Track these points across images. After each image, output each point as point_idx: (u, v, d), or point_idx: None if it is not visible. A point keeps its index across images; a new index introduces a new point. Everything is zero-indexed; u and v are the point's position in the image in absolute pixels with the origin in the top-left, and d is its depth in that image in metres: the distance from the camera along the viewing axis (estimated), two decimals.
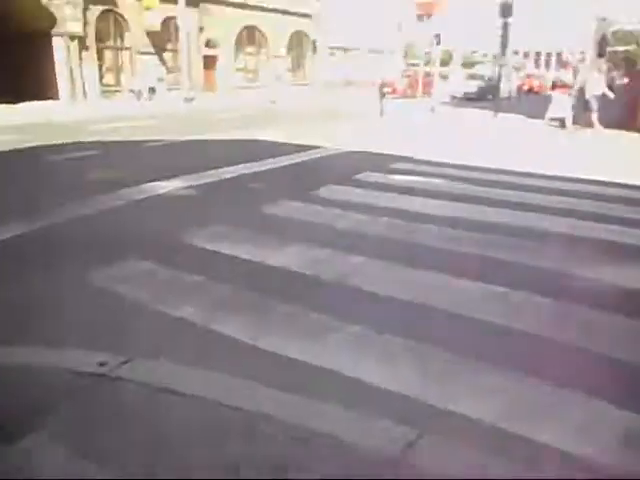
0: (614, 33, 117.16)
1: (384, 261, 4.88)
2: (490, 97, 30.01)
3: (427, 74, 32.88)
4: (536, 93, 37.91)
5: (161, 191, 7.28)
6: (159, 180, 7.76)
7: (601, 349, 3.42)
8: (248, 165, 9.09)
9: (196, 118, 17.87)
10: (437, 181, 8.29)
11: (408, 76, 32.49)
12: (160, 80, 24.90)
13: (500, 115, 18.22)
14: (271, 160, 9.64)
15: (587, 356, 3.36)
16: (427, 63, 36.38)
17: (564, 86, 14.25)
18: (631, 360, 3.31)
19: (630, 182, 8.46)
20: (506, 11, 22.18)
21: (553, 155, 11.07)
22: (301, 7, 34.09)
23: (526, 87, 37.79)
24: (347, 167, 9.34)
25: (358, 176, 8.44)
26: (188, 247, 5.16)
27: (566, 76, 71.45)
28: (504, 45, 22.76)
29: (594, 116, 14.32)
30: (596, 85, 14.33)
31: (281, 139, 12.52)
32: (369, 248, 5.23)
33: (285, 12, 32.53)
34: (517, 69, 44.64)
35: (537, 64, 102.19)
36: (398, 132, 13.97)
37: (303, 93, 30.70)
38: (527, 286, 4.32)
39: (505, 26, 22.58)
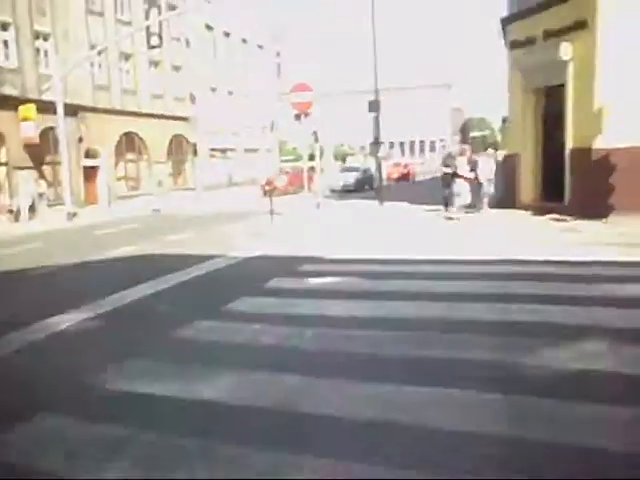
0: (468, 121, 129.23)
1: (323, 378, 4.56)
2: (367, 187, 31.57)
3: (305, 169, 34.08)
4: (406, 179, 40.06)
5: (62, 327, 6.51)
6: (56, 314, 6.96)
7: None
8: (150, 284, 8.50)
9: (82, 236, 16.94)
10: (352, 280, 8.14)
11: (287, 173, 33.27)
12: (41, 195, 23.55)
13: (386, 204, 18.94)
14: (173, 275, 9.11)
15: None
16: (304, 159, 37.70)
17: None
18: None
19: (522, 257, 8.95)
20: (374, 107, 23.65)
21: (455, 239, 11.43)
22: (178, 111, 34.49)
23: (395, 175, 39.73)
24: (255, 274, 9.03)
25: (270, 284, 8.12)
26: (103, 392, 4.54)
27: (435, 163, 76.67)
28: (376, 137, 24.12)
29: (485, 199, 15.12)
30: (488, 170, 15.17)
31: (176, 250, 12.05)
32: (301, 364, 4.90)
33: (162, 117, 32.68)
34: (384, 159, 47.59)
35: (403, 152, 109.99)
36: (294, 231, 13.94)
37: (187, 198, 30.40)
38: (474, 383, 4.21)
39: (376, 120, 24.07)
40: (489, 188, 15.18)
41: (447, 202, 15.17)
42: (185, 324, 6.21)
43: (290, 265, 9.60)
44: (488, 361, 4.73)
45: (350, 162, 61.16)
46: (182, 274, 9.18)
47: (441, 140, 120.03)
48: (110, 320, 6.74)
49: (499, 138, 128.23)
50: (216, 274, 9.34)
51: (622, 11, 11.86)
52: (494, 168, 15.26)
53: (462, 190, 15.02)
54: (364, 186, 31.65)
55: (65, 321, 6.67)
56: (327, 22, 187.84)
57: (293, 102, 17.78)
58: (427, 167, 52.89)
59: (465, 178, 14.89)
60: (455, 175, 14.87)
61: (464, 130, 71.71)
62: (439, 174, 16.31)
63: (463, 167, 14.95)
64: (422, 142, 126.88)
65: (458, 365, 4.68)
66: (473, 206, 15.06)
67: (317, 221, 16.06)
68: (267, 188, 30.36)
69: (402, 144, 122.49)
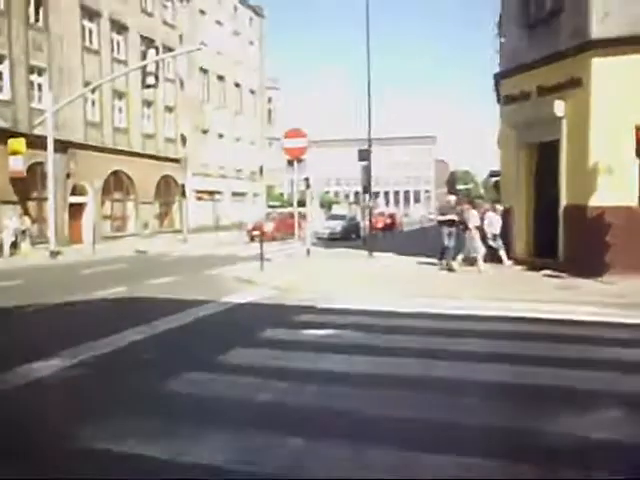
0: (452, 173, 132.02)
1: (327, 440, 4.24)
2: (353, 236, 31.44)
3: (292, 215, 33.91)
4: (390, 229, 39.00)
5: (39, 375, 6.09)
6: (34, 360, 6.51)
7: None
8: (137, 330, 8.11)
9: (65, 275, 16.48)
10: (351, 333, 7.88)
11: (274, 218, 33.00)
12: (24, 232, 22.99)
13: (375, 254, 18.76)
14: (161, 321, 8.73)
15: None
16: (292, 204, 37.51)
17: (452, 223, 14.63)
18: None
19: (524, 315, 8.82)
20: (364, 155, 23.78)
21: (453, 292, 11.20)
22: (169, 152, 34.50)
23: (380, 225, 38.74)
24: (248, 323, 8.75)
25: (264, 334, 7.80)
26: (88, 453, 4.14)
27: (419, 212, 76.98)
28: (366, 186, 24.15)
29: (502, 252, 14.78)
30: (496, 223, 14.97)
31: (164, 294, 11.68)
32: (303, 424, 4.59)
33: (152, 157, 32.62)
34: (373, 207, 47.15)
35: (387, 202, 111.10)
36: (285, 278, 13.64)
37: (174, 240, 30.03)
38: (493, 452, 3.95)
39: (366, 169, 24.15)
40: (497, 243, 14.95)
41: (445, 253, 14.90)
42: (175, 376, 5.85)
43: (284, 314, 9.36)
44: (505, 428, 4.45)
45: (336, 210, 61.37)
46: (171, 320, 8.81)
47: (426, 191, 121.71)
48: (93, 369, 6.34)
49: (482, 191, 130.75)
50: (207, 321, 9.00)
51: (616, 71, 12.04)
52: (501, 223, 15.06)
53: (475, 244, 14.56)
54: (350, 235, 31.58)
55: (43, 369, 6.24)
56: (318, 71, 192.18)
57: (286, 148, 17.74)
58: (412, 217, 53.27)
59: (476, 232, 14.53)
60: (466, 228, 14.56)
61: (451, 182, 72.83)
62: (437, 224, 16.03)
63: (475, 220, 14.66)
64: (407, 192, 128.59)
65: (467, 430, 4.41)
66: (468, 259, 14.84)
67: (308, 269, 15.79)
68: (254, 233, 30.31)
69: (387, 194, 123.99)
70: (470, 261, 14.63)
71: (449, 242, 14.77)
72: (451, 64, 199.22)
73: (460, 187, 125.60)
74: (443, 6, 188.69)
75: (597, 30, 12.27)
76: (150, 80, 19.74)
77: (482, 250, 14.46)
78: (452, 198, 15.88)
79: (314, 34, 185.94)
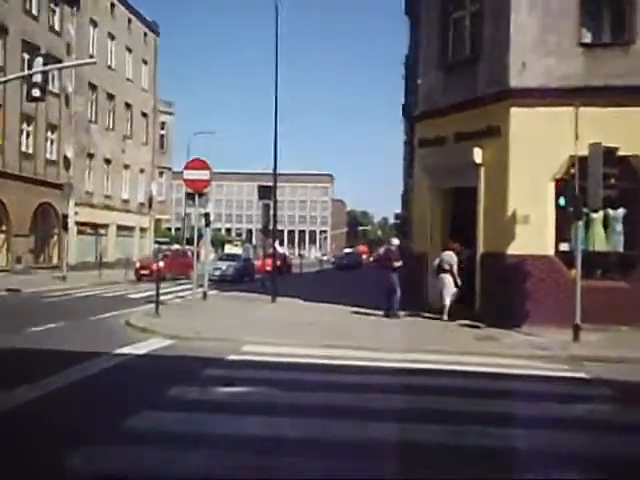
0: (350, 213, 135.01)
1: None
2: (247, 279, 30.91)
3: (185, 253, 32.88)
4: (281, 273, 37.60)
5: None
6: None
7: None
8: (16, 393, 7.19)
9: None
10: (265, 390, 7.57)
11: (165, 255, 31.72)
12: None
13: (279, 299, 18.45)
14: (40, 382, 7.70)
15: None
16: (180, 241, 36.41)
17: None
18: None
19: (446, 367, 8.93)
20: (265, 193, 23.69)
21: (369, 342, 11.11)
22: (49, 176, 32.53)
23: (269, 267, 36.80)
24: (152, 380, 8.22)
25: (173, 393, 7.28)
26: None
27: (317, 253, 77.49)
28: (266, 226, 23.97)
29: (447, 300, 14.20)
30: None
31: (45, 345, 10.69)
32: None
33: (31, 180, 30.58)
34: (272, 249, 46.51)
35: (282, 242, 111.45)
36: (185, 324, 13.00)
37: (51, 278, 28.11)
38: None
39: (266, 207, 23.99)
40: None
41: (392, 301, 14.74)
42: (66, 451, 5.16)
43: (189, 368, 8.94)
44: None
45: (229, 250, 60.14)
46: (55, 379, 7.88)
47: (322, 232, 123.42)
48: None
49: (380, 233, 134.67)
50: (102, 378, 8.30)
51: (534, 121, 12.76)
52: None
53: (449, 289, 14.16)
54: (243, 277, 31.02)
55: None
56: (218, 99, 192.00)
57: (187, 180, 17.17)
58: (307, 259, 53.75)
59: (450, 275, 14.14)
60: (449, 272, 14.10)
61: (352, 224, 74.76)
62: (386, 269, 15.29)
63: (452, 260, 14.12)
64: (302, 232, 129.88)
65: None
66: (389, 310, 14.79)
67: (208, 314, 15.23)
68: (142, 272, 29.03)
69: (280, 233, 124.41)
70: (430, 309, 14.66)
71: (398, 288, 14.78)
72: (355, 99, 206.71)
73: (360, 228, 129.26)
74: (350, 40, 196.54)
75: (515, 80, 13.01)
76: (36, 92, 18.49)
77: (452, 296, 14.22)
78: (395, 242, 15.75)
79: (213, 58, 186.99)
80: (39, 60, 18.64)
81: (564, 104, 11.88)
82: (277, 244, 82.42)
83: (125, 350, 10.20)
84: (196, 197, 17.11)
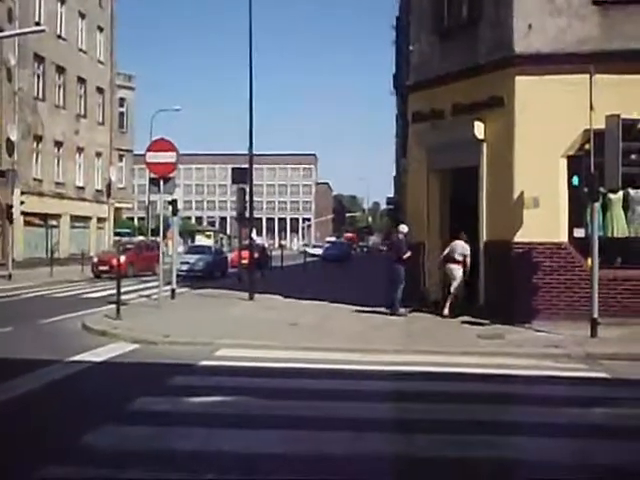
0: (336, 198, 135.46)
1: None
2: (218, 274, 30.62)
3: (150, 247, 32.56)
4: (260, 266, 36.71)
5: None
6: None
7: None
8: None
9: None
10: (242, 400, 7.53)
11: (126, 249, 31.47)
12: None
13: (258, 297, 18.38)
14: None
15: None
16: (145, 232, 35.90)
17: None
18: None
19: (451, 370, 8.96)
20: (240, 176, 23.57)
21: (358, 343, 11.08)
22: None
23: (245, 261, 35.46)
24: (113, 390, 8.12)
25: (135, 405, 7.19)
26: None
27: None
28: (241, 213, 23.86)
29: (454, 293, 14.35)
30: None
31: None
32: None
33: None
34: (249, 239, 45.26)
35: (259, 232, 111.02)
36: (150, 326, 12.88)
37: None
38: None
39: (241, 192, 23.87)
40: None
41: (396, 297, 14.70)
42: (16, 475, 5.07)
43: (156, 376, 8.87)
44: None
45: (199, 241, 59.63)
46: (2, 390, 7.81)
47: (305, 219, 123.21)
48: None
49: (370, 220, 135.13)
50: (54, 389, 8.20)
51: (542, 91, 12.71)
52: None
53: (459, 281, 14.27)
54: (214, 272, 30.66)
55: None
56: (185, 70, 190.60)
57: (150, 163, 16.96)
58: (289, 250, 53.54)
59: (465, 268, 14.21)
60: (461, 263, 14.14)
61: (339, 210, 74.55)
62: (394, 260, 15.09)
63: (464, 250, 14.18)
64: (282, 220, 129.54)
65: None
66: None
67: (177, 315, 15.12)
68: (101, 268, 28.85)
69: (258, 221, 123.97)
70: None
71: (402, 283, 14.74)
72: (340, 70, 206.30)
73: (348, 214, 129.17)
74: (335, 10, 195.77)
75: (520, 44, 12.93)
76: None
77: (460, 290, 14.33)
78: (404, 229, 15.21)
79: (179, 23, 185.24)
80: None
81: (577, 71, 11.86)
82: (254, 234, 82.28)
83: (81, 357, 10.10)
84: (161, 182, 16.90)
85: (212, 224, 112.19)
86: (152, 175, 17.31)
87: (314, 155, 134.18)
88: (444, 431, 6.24)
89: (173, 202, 20.42)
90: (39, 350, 10.72)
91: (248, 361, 9.87)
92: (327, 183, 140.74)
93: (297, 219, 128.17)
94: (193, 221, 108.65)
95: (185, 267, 28.98)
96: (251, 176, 21.08)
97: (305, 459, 5.54)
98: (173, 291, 18.55)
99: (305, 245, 68.12)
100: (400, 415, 7.05)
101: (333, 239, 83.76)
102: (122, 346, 11.20)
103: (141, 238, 36.57)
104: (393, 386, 8.43)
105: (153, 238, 31.69)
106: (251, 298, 18.38)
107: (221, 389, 8.02)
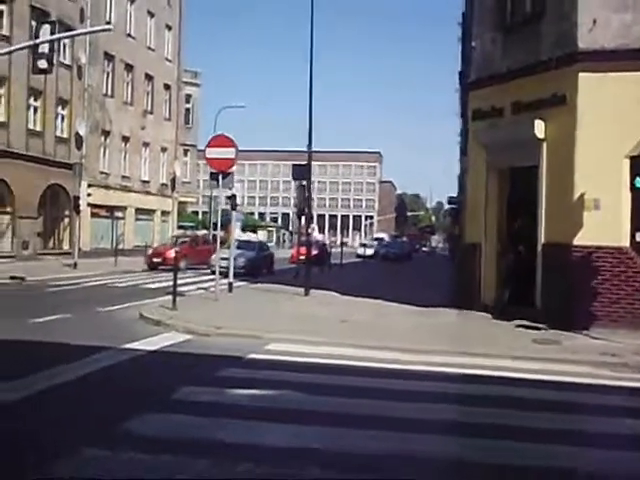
0: (400, 197, 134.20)
1: None
2: (265, 271, 29.20)
3: (206, 240, 32.92)
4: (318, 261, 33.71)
5: None
6: None
7: None
8: (7, 386, 7.34)
9: None
10: (288, 394, 7.53)
11: (182, 242, 31.90)
12: None
13: (314, 292, 18.46)
14: (38, 375, 7.95)
15: None
16: (208, 226, 36.17)
17: None
18: None
19: (507, 374, 8.65)
20: (300, 173, 23.63)
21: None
22: (59, 155, 33.12)
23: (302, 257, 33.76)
24: (159, 379, 8.32)
25: (180, 394, 7.29)
26: None
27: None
28: (301, 209, 23.96)
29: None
30: None
31: (47, 337, 10.90)
32: None
33: (39, 160, 31.20)
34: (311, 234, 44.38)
35: (321, 229, 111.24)
36: (205, 318, 13.07)
37: (61, 265, 28.68)
38: None
39: (301, 189, 23.99)
40: None
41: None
42: (63, 455, 5.21)
43: (204, 367, 9.03)
44: None
45: (242, 236, 55.48)
46: (54, 374, 8.06)
47: (368, 217, 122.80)
48: None
49: (434, 219, 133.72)
50: (104, 376, 8.39)
51: (606, 88, 12.31)
52: None
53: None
54: (260, 269, 28.67)
55: None
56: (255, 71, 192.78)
57: (210, 158, 17.20)
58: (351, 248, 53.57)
59: None
60: None
61: (401, 208, 73.91)
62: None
63: None
64: (345, 217, 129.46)
65: None
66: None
67: (231, 308, 15.28)
68: (154, 260, 29.28)
69: (321, 218, 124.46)
70: None
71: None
72: (405, 68, 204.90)
73: (410, 214, 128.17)
74: (397, 7, 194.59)
75: (584, 40, 12.56)
76: (42, 64, 18.75)
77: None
78: None
79: (245, 22, 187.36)
80: (46, 28, 18.84)
81: None
82: (315, 230, 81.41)
83: (134, 345, 10.33)
84: (220, 177, 17.12)
85: (275, 220, 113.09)
86: (212, 170, 17.56)
87: (379, 153, 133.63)
88: (489, 436, 6.12)
89: (232, 197, 20.73)
90: (95, 337, 11.01)
91: (295, 356, 9.88)
92: (391, 181, 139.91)
93: (360, 217, 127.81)
94: (257, 216, 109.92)
95: (224, 263, 26.78)
96: (310, 173, 21.21)
97: (342, 456, 5.50)
98: (230, 284, 18.79)
99: (363, 245, 66.86)
100: (446, 417, 6.90)
101: (382, 235, 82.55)
102: (175, 336, 11.42)
103: (202, 232, 37.03)
104: (440, 387, 8.29)
105: (215, 232, 31.76)
106: (306, 294, 18.49)
107: (266, 382, 8.06)
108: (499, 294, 14.52)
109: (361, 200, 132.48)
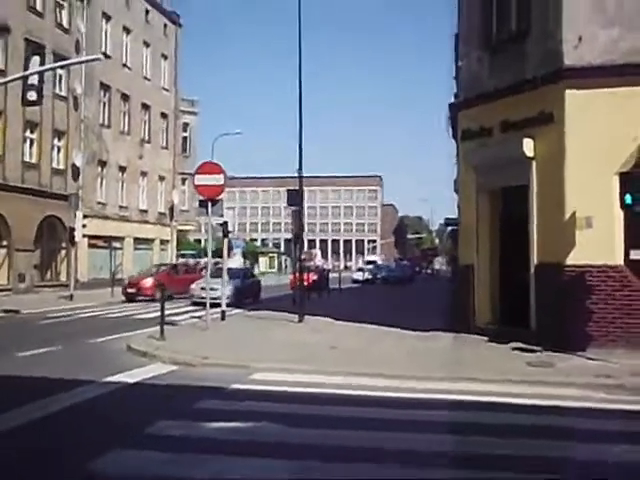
0: (404, 219, 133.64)
1: None
2: (249, 300, 26.72)
3: (189, 269, 32.02)
4: (316, 287, 33.09)
5: None
6: None
7: None
8: None
9: None
10: (265, 426, 7.30)
11: (158, 271, 30.81)
12: None
13: (308, 319, 18.21)
14: (14, 412, 7.77)
15: None
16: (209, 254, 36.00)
17: None
18: None
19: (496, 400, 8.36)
20: (294, 198, 23.46)
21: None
22: (55, 186, 33.06)
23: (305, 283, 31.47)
24: (138, 413, 8.09)
25: (156, 428, 7.09)
26: None
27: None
28: (297, 234, 23.78)
29: None
30: None
31: (31, 371, 10.69)
32: None
33: (35, 192, 31.12)
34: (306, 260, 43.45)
35: (324, 253, 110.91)
36: (193, 348, 12.82)
37: (57, 297, 28.48)
38: None
39: (296, 214, 23.82)
40: None
41: None
42: None
43: (183, 399, 8.79)
44: None
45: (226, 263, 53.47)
46: (28, 411, 7.83)
47: (370, 241, 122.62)
48: None
49: (437, 242, 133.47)
50: (79, 410, 8.19)
51: (594, 105, 12.15)
52: None
53: None
54: (243, 299, 26.25)
55: None
56: (249, 96, 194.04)
57: (198, 185, 17.08)
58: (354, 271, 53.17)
59: None
60: None
61: (399, 231, 73.36)
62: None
63: None
64: (348, 242, 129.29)
65: None
66: None
67: (222, 337, 15.04)
68: (129, 291, 27.71)
69: (324, 243, 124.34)
70: None
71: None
72: (402, 92, 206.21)
73: (410, 236, 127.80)
74: (393, 28, 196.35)
75: (570, 57, 12.43)
76: (32, 95, 18.71)
77: None
78: None
79: (241, 51, 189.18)
80: (35, 59, 18.86)
81: (629, 83, 11.39)
82: (318, 256, 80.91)
83: (116, 378, 10.12)
84: (209, 205, 16.95)
85: (277, 246, 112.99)
86: (201, 197, 17.41)
87: (379, 177, 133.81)
88: (474, 466, 5.95)
89: (224, 224, 20.58)
90: (79, 370, 10.83)
91: (280, 385, 9.66)
92: (392, 205, 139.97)
93: (362, 241, 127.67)
94: (259, 242, 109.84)
95: (204, 294, 22.90)
96: (302, 198, 21.04)
97: None
98: (223, 313, 18.54)
99: (360, 269, 62.84)
100: (435, 449, 6.57)
101: (374, 258, 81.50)
102: (159, 367, 11.21)
103: (185, 260, 36.18)
104: (429, 416, 8.02)
105: (216, 259, 30.50)
106: (300, 320, 18.24)
107: (245, 414, 7.83)
108: (494, 316, 14.26)
109: (363, 224, 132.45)
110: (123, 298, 28.01)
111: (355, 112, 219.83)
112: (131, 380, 10.02)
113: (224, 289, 18.58)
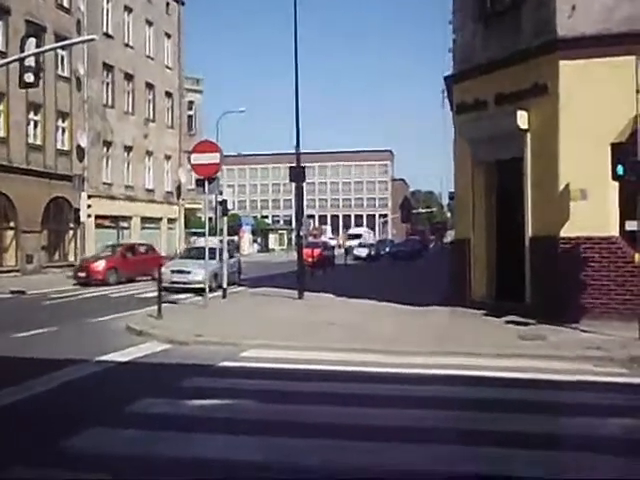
0: (410, 195, 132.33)
1: None
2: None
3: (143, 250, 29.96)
4: (322, 264, 32.34)
5: None
6: None
7: None
8: None
9: None
10: (243, 403, 7.32)
11: (113, 252, 27.67)
12: None
13: (309, 295, 18.22)
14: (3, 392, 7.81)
15: None
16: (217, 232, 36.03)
17: None
18: None
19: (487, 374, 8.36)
20: (297, 175, 23.40)
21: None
22: (61, 167, 33.14)
23: (310, 259, 30.04)
24: (124, 391, 8.08)
25: (138, 406, 7.10)
26: None
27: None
28: (298, 212, 23.79)
29: None
30: None
31: (26, 352, 10.79)
32: None
33: (39, 174, 31.23)
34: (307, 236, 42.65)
35: (334, 229, 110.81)
36: (189, 327, 12.88)
37: (64, 277, 28.66)
38: None
39: (299, 191, 23.76)
40: None
41: None
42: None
43: (170, 377, 8.80)
44: None
45: (197, 243, 39.72)
46: (17, 390, 7.87)
47: (382, 216, 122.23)
48: None
49: (449, 215, 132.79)
50: (66, 389, 8.22)
51: (588, 76, 11.99)
52: None
53: None
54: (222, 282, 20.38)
55: None
56: (254, 74, 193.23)
57: (195, 164, 17.03)
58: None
59: None
60: None
61: (405, 206, 72.11)
62: None
63: None
64: (359, 217, 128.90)
65: None
66: None
67: (219, 314, 15.12)
68: (79, 274, 25.01)
69: (335, 218, 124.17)
70: None
71: None
72: (411, 63, 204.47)
73: (420, 211, 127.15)
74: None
75: (563, 27, 12.24)
76: (29, 77, 18.63)
77: None
78: None
79: (245, 26, 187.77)
80: (31, 41, 18.72)
81: (624, 52, 11.14)
82: (328, 232, 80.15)
83: (109, 357, 10.16)
84: (206, 183, 16.91)
85: (288, 222, 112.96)
86: (197, 176, 17.38)
87: (390, 151, 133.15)
88: (462, 442, 5.96)
89: (223, 202, 20.54)
90: (74, 350, 10.83)
91: (270, 362, 9.69)
92: (403, 179, 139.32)
93: (374, 215, 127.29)
94: (270, 220, 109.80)
95: (176, 278, 21.54)
96: (304, 176, 21.05)
97: (285, 469, 5.27)
98: (225, 291, 18.59)
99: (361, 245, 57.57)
100: (417, 424, 6.49)
101: (359, 231, 79.60)
102: (154, 346, 11.24)
103: (139, 241, 34.25)
104: (414, 391, 7.99)
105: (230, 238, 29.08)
106: (300, 297, 18.26)
107: (228, 391, 7.86)
108: (490, 290, 14.21)
109: (374, 199, 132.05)
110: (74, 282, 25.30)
111: (366, 83, 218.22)
112: (123, 359, 10.07)
113: (205, 272, 17.57)
